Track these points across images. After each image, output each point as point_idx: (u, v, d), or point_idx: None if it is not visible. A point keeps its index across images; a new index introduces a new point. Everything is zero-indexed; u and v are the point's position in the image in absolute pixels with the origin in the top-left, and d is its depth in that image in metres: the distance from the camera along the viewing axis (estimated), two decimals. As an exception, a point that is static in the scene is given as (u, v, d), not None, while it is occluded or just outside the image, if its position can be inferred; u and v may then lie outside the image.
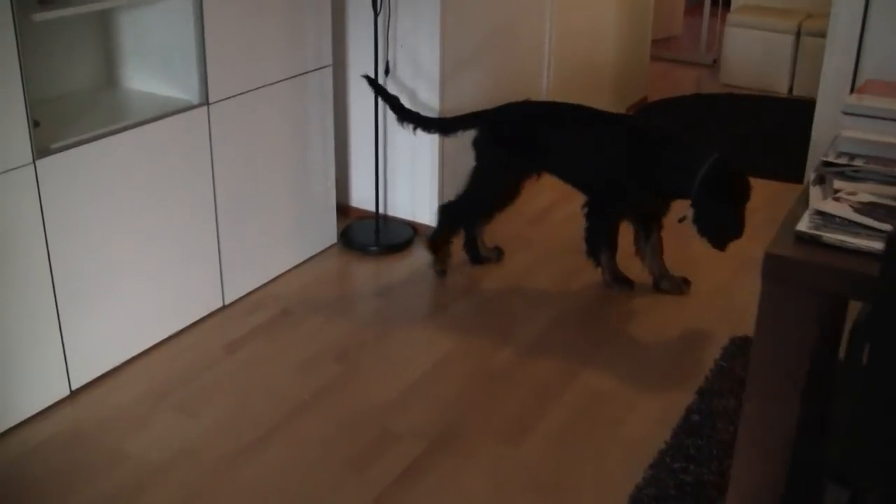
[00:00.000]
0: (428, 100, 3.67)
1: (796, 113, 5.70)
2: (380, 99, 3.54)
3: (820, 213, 1.92)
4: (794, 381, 1.87)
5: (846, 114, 2.15)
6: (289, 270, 3.56)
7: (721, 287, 3.57)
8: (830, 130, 3.62)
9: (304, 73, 3.36)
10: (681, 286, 3.51)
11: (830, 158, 2.14)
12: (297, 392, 2.84)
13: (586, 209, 3.39)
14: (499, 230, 3.73)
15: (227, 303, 3.29)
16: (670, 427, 2.72)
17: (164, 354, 3.01)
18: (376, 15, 3.53)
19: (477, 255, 3.66)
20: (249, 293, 3.38)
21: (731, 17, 6.26)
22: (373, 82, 3.48)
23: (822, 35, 5.87)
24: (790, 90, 6.21)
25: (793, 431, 1.92)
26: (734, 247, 3.22)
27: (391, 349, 3.10)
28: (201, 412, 2.74)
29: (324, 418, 2.73)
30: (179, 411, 2.74)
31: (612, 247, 3.44)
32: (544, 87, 4.52)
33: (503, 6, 4.04)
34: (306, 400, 2.80)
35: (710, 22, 6.85)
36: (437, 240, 3.57)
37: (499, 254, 3.72)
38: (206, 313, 3.21)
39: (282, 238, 3.48)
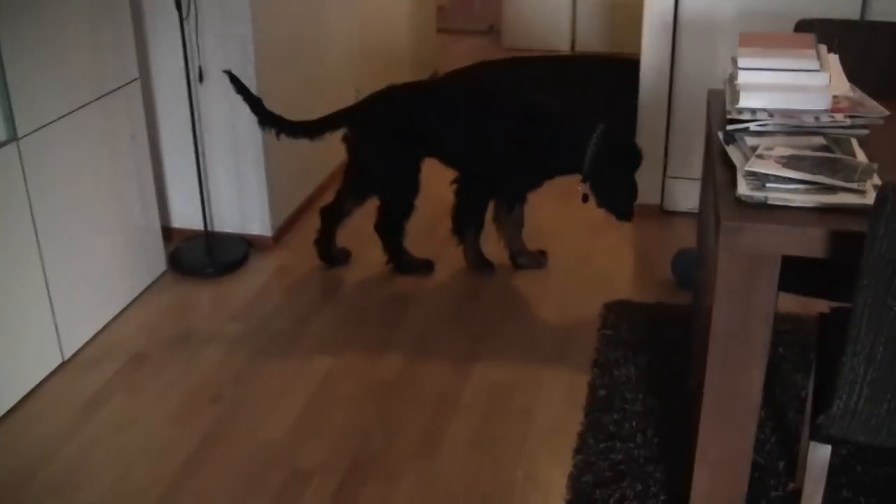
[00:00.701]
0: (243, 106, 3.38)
1: (600, 68, 5.82)
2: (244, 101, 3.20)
3: (753, 173, 1.88)
4: (759, 347, 1.83)
5: (742, 69, 2.12)
6: (125, 308, 3.19)
7: (579, 256, 3.54)
8: (658, 82, 3.67)
9: (111, 92, 2.99)
10: (539, 260, 3.46)
11: (733, 115, 2.10)
12: (180, 445, 2.53)
13: (460, 187, 3.26)
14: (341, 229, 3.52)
15: (67, 357, 2.90)
16: (580, 407, 2.66)
17: (6, 437, 2.59)
18: (182, 19, 3.20)
19: (329, 255, 3.45)
20: (90, 341, 3.00)
21: (505, -20, 6.28)
22: (235, 80, 3.14)
23: (598, -10, 6.01)
24: (572, 47, 6.33)
25: (758, 398, 1.88)
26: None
27: (267, 379, 2.84)
28: (76, 496, 2.37)
29: (221, 468, 2.45)
30: (48, 500, 2.37)
31: (480, 226, 3.34)
32: (356, 78, 4.32)
33: (309, 5, 3.80)
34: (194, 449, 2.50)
35: (481, -12, 6.84)
36: (402, 261, 3.38)
37: (347, 255, 3.52)
38: (45, 374, 2.81)
39: (112, 274, 3.11)
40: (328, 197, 4.00)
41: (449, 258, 3.48)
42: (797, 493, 2.24)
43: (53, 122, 2.73)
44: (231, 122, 3.44)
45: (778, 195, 1.80)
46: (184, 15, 3.20)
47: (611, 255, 3.55)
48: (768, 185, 1.83)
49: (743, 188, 1.82)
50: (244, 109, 3.36)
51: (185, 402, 2.72)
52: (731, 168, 1.95)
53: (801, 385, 2.69)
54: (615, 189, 3.09)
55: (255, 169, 3.51)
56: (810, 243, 1.72)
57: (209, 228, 3.57)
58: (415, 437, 2.56)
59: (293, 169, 3.75)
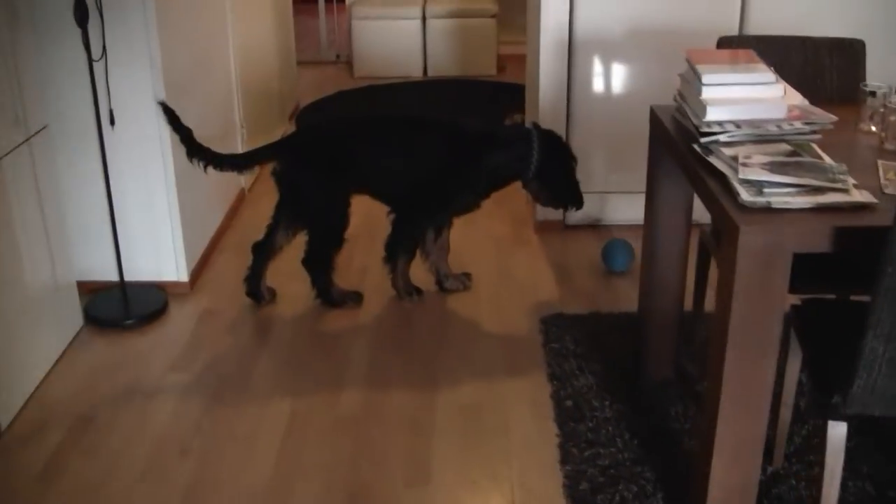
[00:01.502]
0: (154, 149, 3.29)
1: (472, 91, 5.97)
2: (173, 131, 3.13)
3: (747, 181, 2.03)
4: (774, 339, 1.97)
5: (706, 85, 2.28)
6: (51, 371, 3.01)
7: (499, 274, 3.64)
8: (556, 101, 3.82)
9: (20, 145, 2.83)
10: (465, 282, 3.53)
11: (703, 128, 2.25)
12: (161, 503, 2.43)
13: (398, 216, 3.29)
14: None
15: (2, 429, 2.71)
16: (550, 419, 2.74)
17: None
18: (91, 61, 3.07)
19: (258, 292, 3.40)
20: (22, 409, 2.81)
21: (355, 10, 6.34)
22: (167, 110, 3.06)
23: (447, 16, 6.18)
24: (424, 72, 6.45)
25: (771, 386, 2.02)
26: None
27: (232, 425, 2.76)
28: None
29: (213, 524, 2.37)
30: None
31: (412, 254, 3.36)
32: (237, 118, 4.26)
33: (201, 43, 3.73)
34: None
35: (328, 18, 6.86)
36: (331, 294, 3.36)
37: (273, 293, 3.47)
38: (-13, 449, 2.63)
39: (29, 336, 2.92)
40: (232, 233, 3.95)
41: (371, 288, 3.50)
42: (779, 476, 2.42)
43: (-18, 177, 2.57)
44: (143, 167, 3.33)
45: (777, 199, 1.95)
46: (95, 56, 3.07)
47: (528, 270, 3.67)
48: (765, 190, 1.99)
49: (745, 195, 1.97)
50: (155, 152, 3.27)
51: (151, 458, 2.61)
52: (718, 176, 2.09)
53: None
54: (564, 183, 3.23)
55: (167, 213, 3.40)
56: (819, 239, 1.88)
57: (120, 278, 3.42)
58: (401, 466, 2.56)
59: (201, 208, 3.66)
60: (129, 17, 3.13)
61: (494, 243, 3.88)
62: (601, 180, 3.93)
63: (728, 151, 2.19)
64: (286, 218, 3.29)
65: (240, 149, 4.30)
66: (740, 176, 2.04)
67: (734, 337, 1.96)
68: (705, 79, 2.28)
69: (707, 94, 2.28)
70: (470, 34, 6.38)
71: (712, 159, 2.16)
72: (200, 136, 3.18)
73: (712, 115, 2.26)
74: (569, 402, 2.79)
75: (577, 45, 3.71)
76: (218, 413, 2.81)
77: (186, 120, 3.15)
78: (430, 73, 6.44)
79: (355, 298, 3.41)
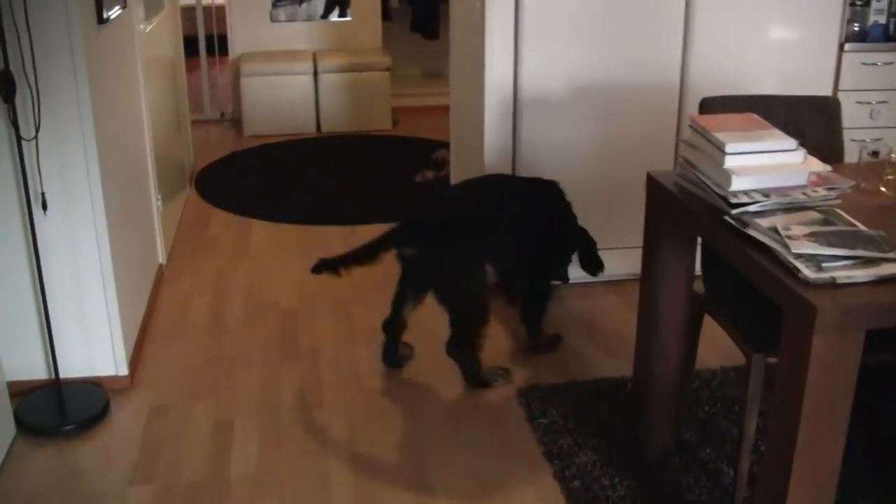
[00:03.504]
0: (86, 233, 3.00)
1: (375, 147, 5.80)
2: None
3: (801, 255, 1.97)
4: (844, 418, 1.91)
5: (730, 154, 2.22)
6: (-8, 492, 2.66)
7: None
8: (501, 160, 3.71)
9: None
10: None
11: (733, 199, 2.20)
12: None
13: (532, 283, 3.35)
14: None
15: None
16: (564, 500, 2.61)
17: None
18: (20, 140, 2.76)
19: (401, 361, 3.34)
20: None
21: (243, 67, 6.08)
22: (324, 267, 3.19)
23: (339, 70, 6.02)
24: (318, 129, 6.26)
25: (839, 462, 1.96)
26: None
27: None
28: None
29: None
30: None
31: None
32: (152, 190, 3.97)
33: (122, 114, 3.45)
34: None
35: (210, 75, 6.57)
36: (481, 374, 3.18)
37: (411, 349, 3.41)
38: None
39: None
40: (158, 317, 3.67)
41: (331, 368, 3.29)
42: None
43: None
44: (73, 254, 3.02)
45: (840, 273, 1.90)
46: (27, 135, 2.76)
47: (489, 339, 3.52)
48: (823, 265, 1.93)
49: (807, 271, 1.91)
50: (89, 237, 2.99)
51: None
52: (763, 250, 2.03)
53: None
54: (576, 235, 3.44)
55: (103, 302, 3.09)
56: (890, 314, 1.84)
57: (54, 376, 3.08)
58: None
59: (129, 293, 3.36)
60: (59, 91, 2.84)
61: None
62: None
63: (762, 222, 2.13)
64: (412, 291, 3.20)
65: (156, 223, 4.01)
66: (794, 250, 1.98)
67: (807, 422, 1.90)
68: (729, 147, 2.22)
69: (730, 163, 2.23)
70: (363, 88, 6.24)
71: (752, 232, 2.10)
72: (123, 216, 2.92)
73: (738, 184, 2.21)
74: (576, 483, 2.67)
75: (522, 102, 3.63)
76: (199, 527, 2.53)
77: (116, 201, 2.88)
78: (324, 129, 6.26)
79: (504, 375, 3.23)
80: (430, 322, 3.31)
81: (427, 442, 2.90)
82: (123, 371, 3.19)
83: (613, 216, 3.78)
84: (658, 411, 2.77)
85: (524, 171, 3.73)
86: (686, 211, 2.37)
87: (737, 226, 2.14)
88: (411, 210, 3.32)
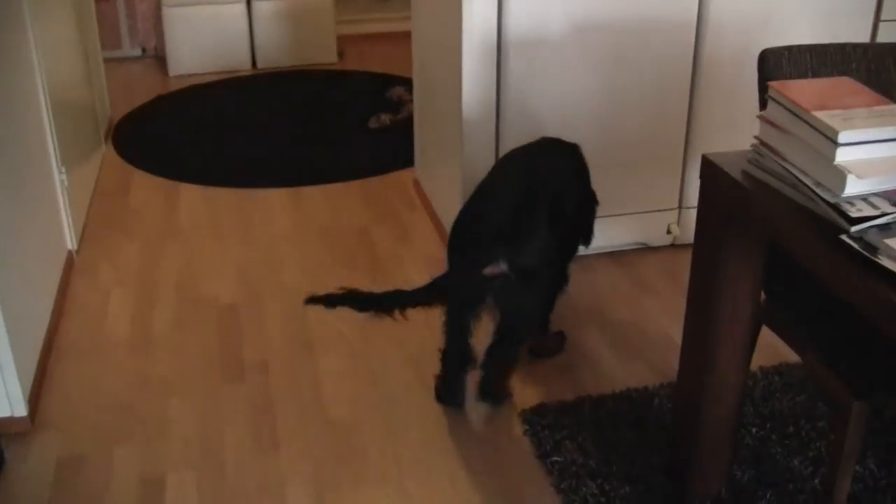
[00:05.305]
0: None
1: (322, 84, 5.07)
2: None
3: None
4: None
5: (844, 145, 1.58)
6: None
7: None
8: (482, 108, 3.02)
9: None
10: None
11: (853, 212, 1.57)
12: None
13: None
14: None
15: None
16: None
17: None
18: None
19: (461, 395, 2.62)
20: None
21: (166, -3, 5.24)
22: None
23: (276, -2, 5.23)
24: (253, 65, 5.49)
25: None
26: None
27: None
28: None
29: None
30: None
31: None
32: (53, 159, 3.23)
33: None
34: None
35: (128, 5, 5.68)
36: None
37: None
38: None
39: None
40: (68, 324, 3.00)
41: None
42: None
43: None
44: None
45: None
46: None
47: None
48: None
49: None
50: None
51: None
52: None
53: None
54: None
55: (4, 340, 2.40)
56: None
57: (-73, 425, 2.40)
58: None
59: (26, 299, 2.68)
60: None
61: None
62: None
63: (891, 243, 1.52)
64: (473, 312, 2.53)
65: (61, 201, 3.28)
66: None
67: None
68: (843, 136, 1.58)
69: (844, 156, 1.59)
70: (304, 17, 5.45)
71: (886, 262, 1.47)
72: (7, 199, 2.23)
73: (853, 187, 1.58)
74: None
75: (507, 45, 2.94)
76: None
77: None
78: (260, 65, 5.47)
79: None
80: (398, 330, 2.68)
81: (414, 498, 2.29)
82: (21, 411, 2.51)
83: (614, 178, 3.14)
84: (710, 454, 2.19)
85: (508, 127, 3.06)
86: (766, 216, 1.75)
87: (859, 249, 1.51)
88: (469, 217, 2.55)
